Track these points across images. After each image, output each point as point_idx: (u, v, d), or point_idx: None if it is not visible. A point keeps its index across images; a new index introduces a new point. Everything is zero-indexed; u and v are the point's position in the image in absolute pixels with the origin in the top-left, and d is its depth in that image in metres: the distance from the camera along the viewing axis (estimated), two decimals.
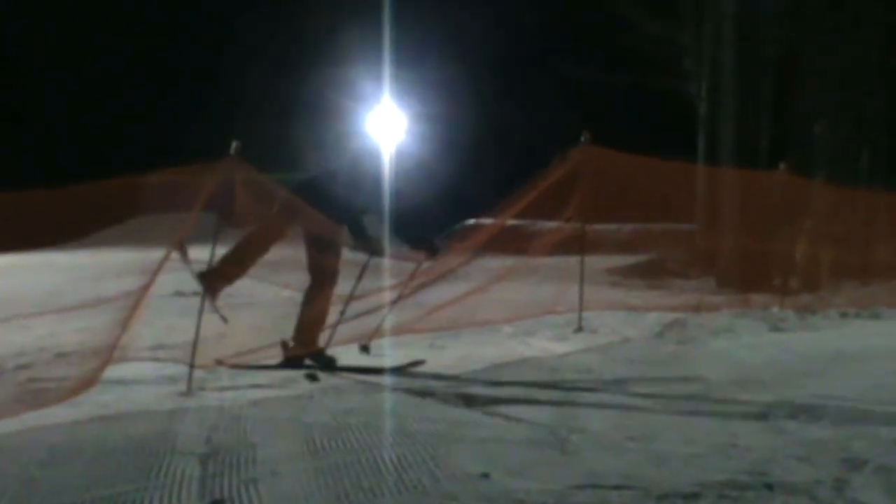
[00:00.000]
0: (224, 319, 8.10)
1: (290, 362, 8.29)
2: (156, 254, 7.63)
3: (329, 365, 8.26)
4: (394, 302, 8.79)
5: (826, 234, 14.89)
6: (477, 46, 29.99)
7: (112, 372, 7.61)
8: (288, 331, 8.42)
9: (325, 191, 8.18)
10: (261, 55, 31.33)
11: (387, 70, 16.52)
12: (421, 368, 8.28)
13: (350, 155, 8.40)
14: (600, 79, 19.37)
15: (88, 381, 7.26)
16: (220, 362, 8.21)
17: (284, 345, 8.38)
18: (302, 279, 8.56)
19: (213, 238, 8.02)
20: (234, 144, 7.77)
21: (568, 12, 24.08)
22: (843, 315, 11.95)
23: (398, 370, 8.15)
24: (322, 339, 8.44)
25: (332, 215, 8.14)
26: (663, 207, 12.77)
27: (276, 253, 8.43)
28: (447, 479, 5.04)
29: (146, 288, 7.44)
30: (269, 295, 10.19)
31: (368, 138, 8.58)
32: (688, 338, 9.94)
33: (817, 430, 6.05)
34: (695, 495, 4.78)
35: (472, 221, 9.91)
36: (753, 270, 14.46)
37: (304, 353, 8.35)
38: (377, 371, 8.09)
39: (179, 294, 12.14)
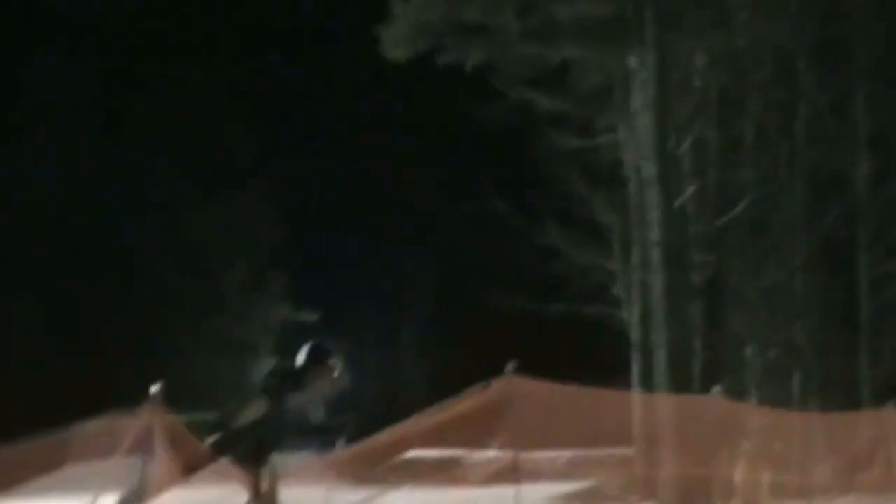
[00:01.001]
0: None
1: None
2: None
3: None
4: None
5: (764, 455, 15.39)
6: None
7: None
8: None
9: None
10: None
11: None
12: None
13: None
14: (530, 309, 20.14)
15: None
16: None
17: None
18: None
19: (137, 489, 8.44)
20: (154, 388, 8.44)
21: (498, 242, 25.13)
22: None
23: None
24: None
25: None
26: (599, 434, 13.25)
27: None
28: None
29: None
30: None
31: None
32: None
33: None
34: None
35: (413, 453, 10.46)
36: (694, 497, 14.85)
37: None
38: None
39: None
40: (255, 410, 8.81)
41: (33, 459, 9.80)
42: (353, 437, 9.80)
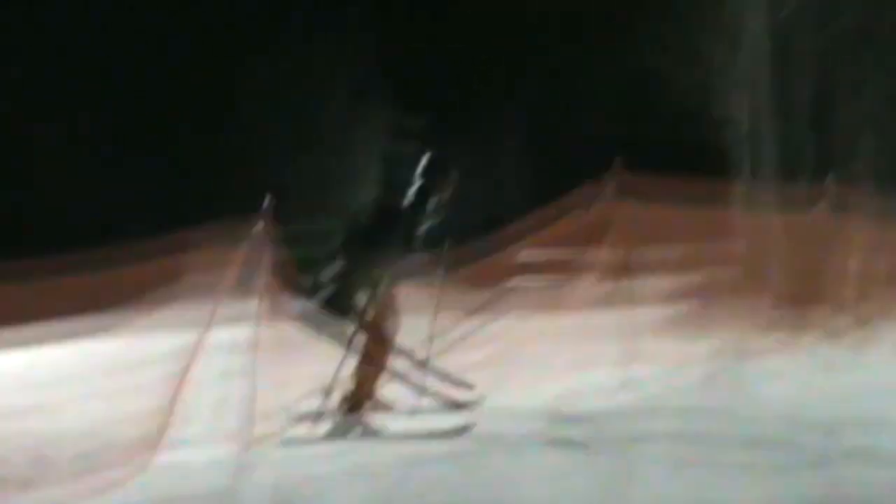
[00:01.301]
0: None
1: (343, 428, 8.60)
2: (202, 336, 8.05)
3: (378, 432, 8.61)
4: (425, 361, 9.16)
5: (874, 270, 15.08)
6: None
7: (164, 456, 7.98)
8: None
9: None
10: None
11: None
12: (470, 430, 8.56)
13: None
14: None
15: (140, 467, 7.71)
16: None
17: (338, 407, 8.66)
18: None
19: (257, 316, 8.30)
20: (267, 198, 8.17)
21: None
22: None
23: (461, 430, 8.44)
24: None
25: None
26: (711, 228, 13.05)
27: None
28: None
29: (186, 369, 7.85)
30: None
31: None
32: (739, 384, 10.23)
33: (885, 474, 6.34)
34: None
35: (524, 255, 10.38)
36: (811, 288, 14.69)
37: (359, 415, 8.66)
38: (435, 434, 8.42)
39: (226, 374, 12.52)
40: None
41: (139, 278, 9.87)
42: (458, 253, 9.57)
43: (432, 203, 8.90)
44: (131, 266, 9.01)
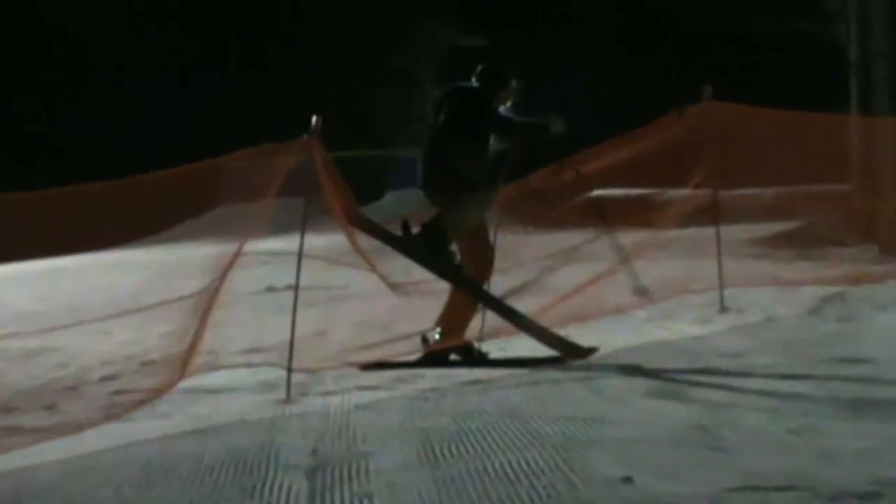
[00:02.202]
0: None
1: (432, 359, 8.28)
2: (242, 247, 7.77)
3: (481, 360, 8.28)
4: (518, 289, 8.82)
5: None
6: None
7: (203, 380, 7.79)
8: (393, 324, 8.46)
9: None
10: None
11: None
12: (547, 362, 8.26)
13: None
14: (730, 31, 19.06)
15: (171, 386, 7.44)
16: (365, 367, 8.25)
17: (425, 340, 8.40)
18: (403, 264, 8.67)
19: (302, 226, 8.01)
20: (315, 120, 7.81)
21: None
22: None
23: (555, 360, 8.12)
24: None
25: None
26: (810, 168, 12.50)
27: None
28: (585, 485, 5.01)
29: (219, 285, 7.58)
30: (369, 285, 10.24)
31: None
32: (850, 314, 9.74)
33: None
34: (872, 495, 4.67)
35: (597, 193, 9.81)
36: None
37: (451, 348, 8.36)
38: (534, 362, 8.09)
39: (271, 290, 12.33)
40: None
41: (183, 200, 9.70)
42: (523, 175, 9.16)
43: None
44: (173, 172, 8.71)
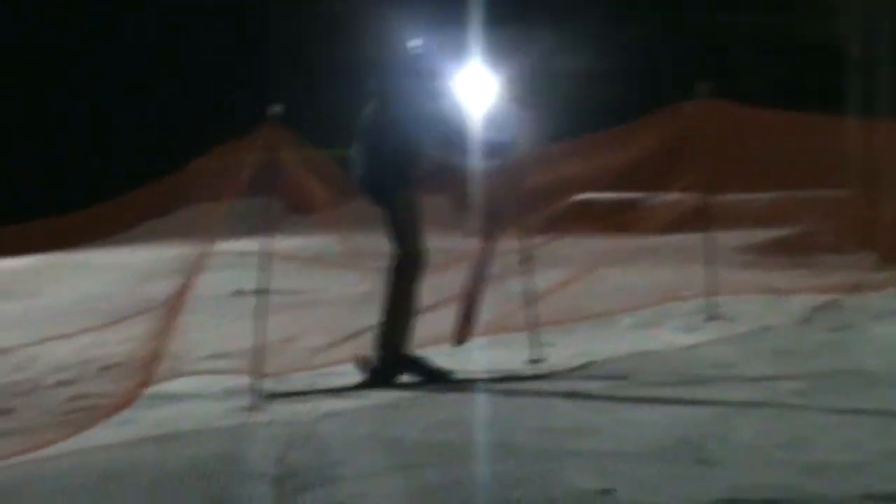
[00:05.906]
0: None
1: (379, 378, 7.98)
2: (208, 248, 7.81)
3: (441, 377, 8.00)
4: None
5: None
6: None
7: (167, 386, 7.80)
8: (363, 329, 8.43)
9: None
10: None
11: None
12: (525, 370, 8.28)
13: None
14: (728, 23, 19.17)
15: (134, 395, 7.43)
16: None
17: (361, 360, 8.12)
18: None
19: (273, 227, 8.00)
20: (272, 109, 7.75)
21: None
22: None
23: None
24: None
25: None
26: (806, 172, 12.57)
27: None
28: (563, 498, 5.04)
29: (184, 288, 7.60)
30: (340, 289, 10.27)
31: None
32: (844, 323, 9.79)
33: None
34: None
35: (582, 196, 9.87)
36: None
37: (395, 364, 8.05)
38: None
39: (239, 293, 12.32)
40: None
41: (143, 203, 9.72)
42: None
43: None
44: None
